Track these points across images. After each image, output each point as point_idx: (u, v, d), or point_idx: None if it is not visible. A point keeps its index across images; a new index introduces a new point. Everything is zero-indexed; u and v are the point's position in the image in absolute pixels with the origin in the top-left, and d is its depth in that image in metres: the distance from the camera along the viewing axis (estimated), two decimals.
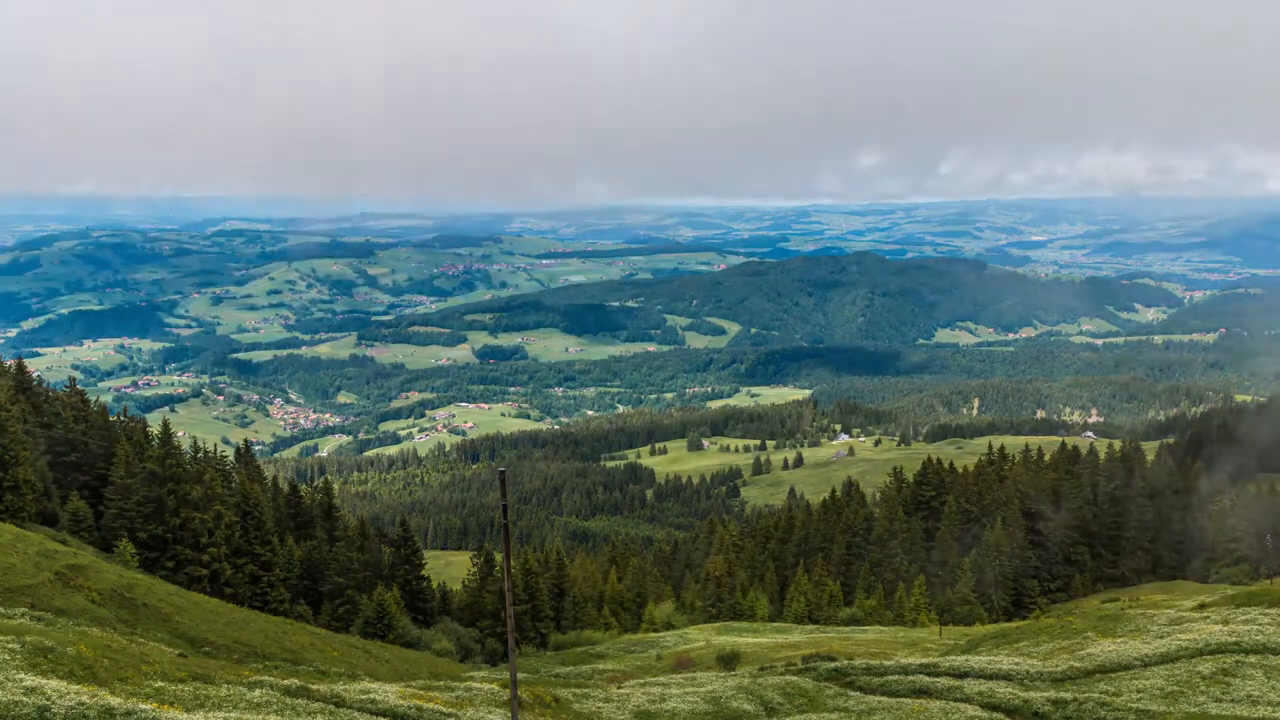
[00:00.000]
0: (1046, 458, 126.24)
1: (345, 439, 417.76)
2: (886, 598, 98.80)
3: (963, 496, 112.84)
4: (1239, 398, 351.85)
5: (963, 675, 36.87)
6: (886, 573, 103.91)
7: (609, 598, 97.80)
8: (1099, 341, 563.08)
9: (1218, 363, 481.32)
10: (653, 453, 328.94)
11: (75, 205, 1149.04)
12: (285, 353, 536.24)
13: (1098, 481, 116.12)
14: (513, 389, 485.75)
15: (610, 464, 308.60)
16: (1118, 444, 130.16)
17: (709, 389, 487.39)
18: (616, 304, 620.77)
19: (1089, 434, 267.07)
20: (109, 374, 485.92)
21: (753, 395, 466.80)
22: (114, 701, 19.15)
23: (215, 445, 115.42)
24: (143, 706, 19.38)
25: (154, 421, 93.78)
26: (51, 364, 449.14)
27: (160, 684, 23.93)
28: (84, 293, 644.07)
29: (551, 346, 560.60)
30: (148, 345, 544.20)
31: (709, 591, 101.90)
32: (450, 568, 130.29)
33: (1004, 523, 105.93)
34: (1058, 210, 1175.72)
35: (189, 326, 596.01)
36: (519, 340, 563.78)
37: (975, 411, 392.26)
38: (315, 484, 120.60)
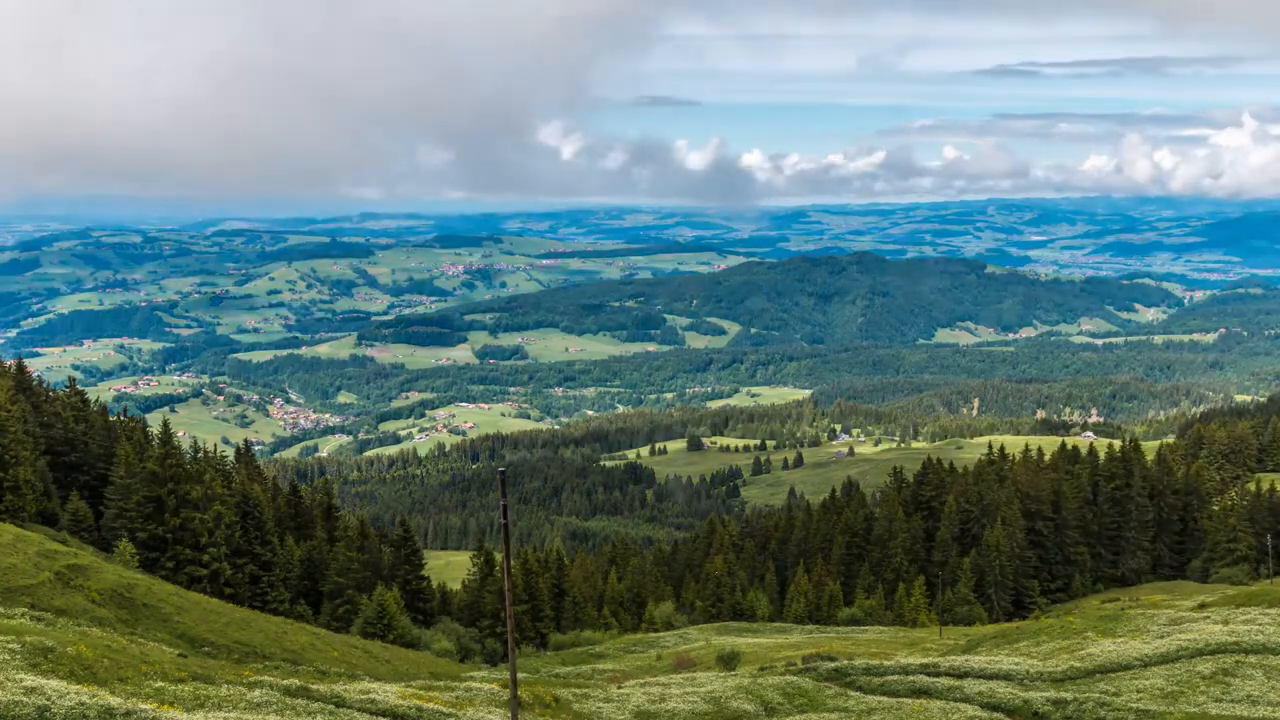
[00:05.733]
0: (1046, 458, 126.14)
1: (345, 439, 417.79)
2: (886, 598, 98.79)
3: (963, 496, 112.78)
4: (1239, 398, 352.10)
5: (963, 675, 36.88)
6: (886, 573, 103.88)
7: (609, 598, 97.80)
8: (1099, 341, 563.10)
9: (1218, 363, 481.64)
10: (653, 453, 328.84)
11: (75, 205, 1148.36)
12: (285, 353, 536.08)
13: (1098, 481, 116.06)
14: (513, 389, 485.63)
15: (610, 464, 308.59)
16: (1118, 444, 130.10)
17: (709, 389, 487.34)
18: (616, 304, 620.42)
19: (1089, 434, 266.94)
20: (109, 374, 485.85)
21: (753, 395, 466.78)
22: (114, 701, 19.15)
23: (215, 445, 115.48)
24: (143, 706, 19.38)
25: (154, 421, 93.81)
26: (51, 364, 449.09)
27: (160, 684, 23.92)
28: (84, 293, 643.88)
29: (551, 346, 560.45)
30: (148, 345, 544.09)
31: (709, 591, 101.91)
32: (450, 568, 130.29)
33: (1004, 523, 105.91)
34: (1058, 210, 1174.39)
35: (189, 326, 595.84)
36: (519, 340, 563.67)
37: (975, 411, 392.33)
38: (315, 484, 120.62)
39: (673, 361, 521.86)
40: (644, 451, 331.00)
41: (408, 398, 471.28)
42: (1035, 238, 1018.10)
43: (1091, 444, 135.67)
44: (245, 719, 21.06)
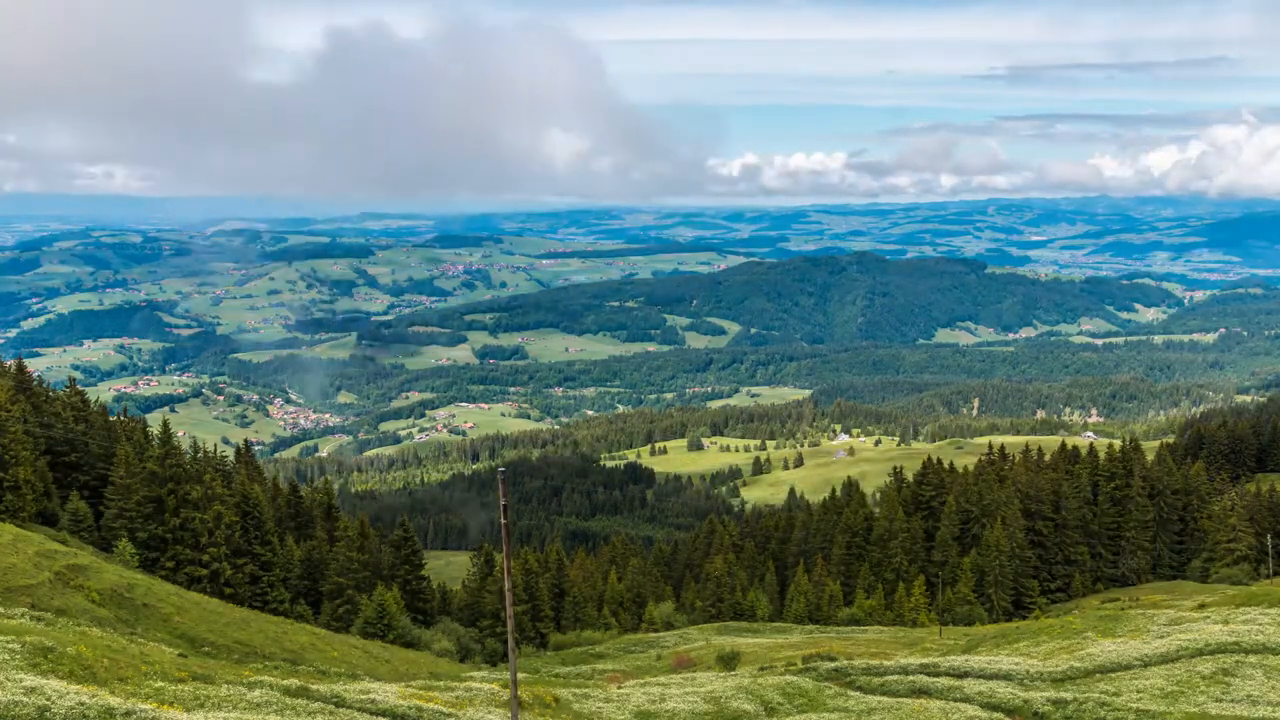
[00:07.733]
0: (1046, 458, 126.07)
1: (345, 439, 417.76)
2: (886, 598, 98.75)
3: (963, 496, 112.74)
4: (1239, 398, 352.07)
5: (963, 675, 36.87)
6: (886, 573, 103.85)
7: (609, 598, 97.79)
8: (1099, 341, 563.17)
9: (1218, 363, 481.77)
10: (653, 453, 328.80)
11: (75, 205, 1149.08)
12: (285, 353, 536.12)
13: (1098, 481, 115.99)
14: (513, 389, 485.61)
15: (610, 464, 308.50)
16: (1118, 444, 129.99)
17: (709, 389, 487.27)
18: (616, 304, 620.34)
19: (1089, 434, 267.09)
20: (109, 374, 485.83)
21: (753, 395, 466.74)
22: (114, 701, 19.15)
23: (215, 445, 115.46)
24: (143, 706, 19.38)
25: (154, 421, 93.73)
26: (51, 364, 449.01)
27: (160, 684, 23.92)
28: (84, 293, 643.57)
29: (551, 346, 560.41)
30: (148, 345, 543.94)
31: (709, 591, 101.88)
32: (450, 568, 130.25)
33: (1004, 523, 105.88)
34: (1057, 210, 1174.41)
35: (189, 326, 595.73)
36: (519, 340, 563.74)
37: (975, 411, 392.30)
38: (315, 484, 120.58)
39: (673, 361, 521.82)
40: (644, 451, 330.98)
41: (408, 398, 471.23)
42: (1035, 238, 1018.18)
43: (1091, 444, 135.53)
44: (245, 719, 21.06)
